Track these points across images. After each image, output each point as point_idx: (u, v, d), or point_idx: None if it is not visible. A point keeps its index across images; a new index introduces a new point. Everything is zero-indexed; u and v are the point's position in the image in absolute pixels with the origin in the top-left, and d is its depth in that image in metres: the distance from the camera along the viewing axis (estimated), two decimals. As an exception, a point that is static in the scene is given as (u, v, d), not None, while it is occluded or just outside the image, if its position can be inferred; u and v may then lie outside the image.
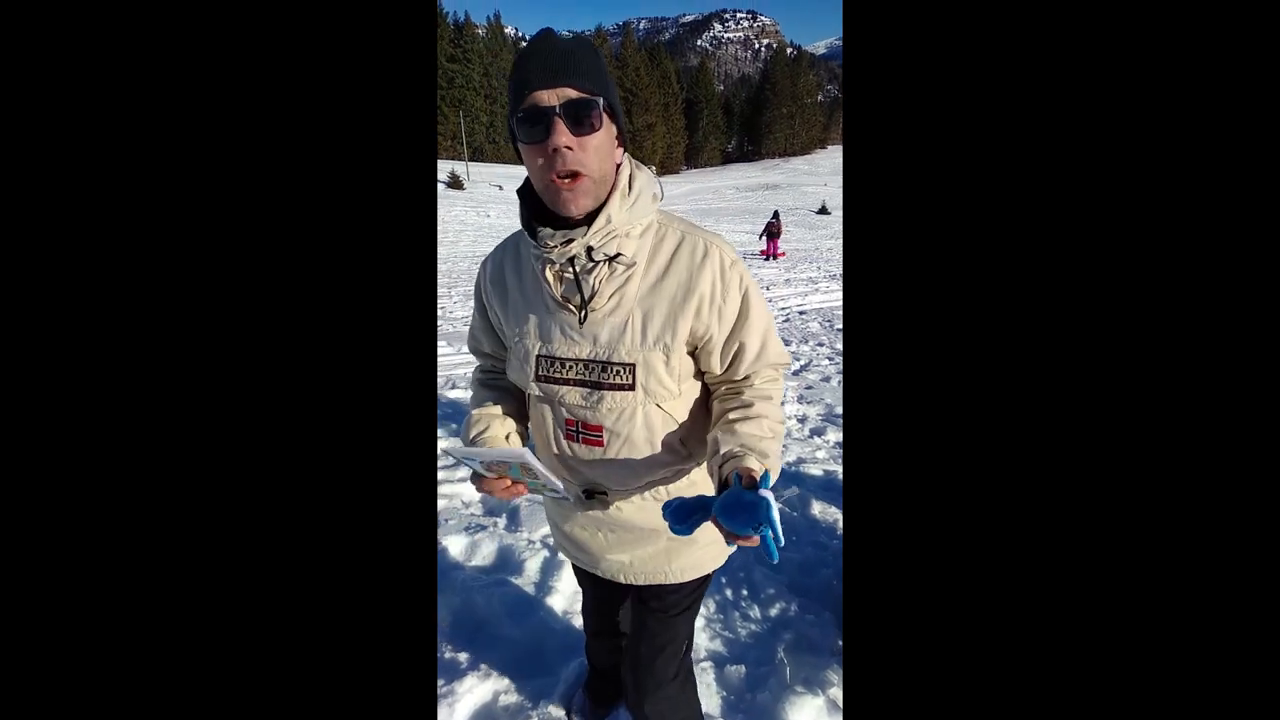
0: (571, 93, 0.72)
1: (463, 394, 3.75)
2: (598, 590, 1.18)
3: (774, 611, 1.81)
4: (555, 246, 0.79)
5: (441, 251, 14.18)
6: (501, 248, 0.95)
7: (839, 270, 10.50)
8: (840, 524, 2.25)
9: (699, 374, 0.91)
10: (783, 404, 0.87)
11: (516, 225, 0.89)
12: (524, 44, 0.79)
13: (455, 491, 2.49)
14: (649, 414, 0.86)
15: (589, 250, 0.79)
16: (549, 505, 1.09)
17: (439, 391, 3.77)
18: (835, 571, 1.97)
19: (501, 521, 2.29)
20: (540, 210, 0.81)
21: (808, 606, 1.83)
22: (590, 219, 0.78)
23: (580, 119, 0.72)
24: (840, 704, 1.43)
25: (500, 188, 38.10)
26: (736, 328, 0.85)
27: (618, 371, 0.83)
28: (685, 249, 0.83)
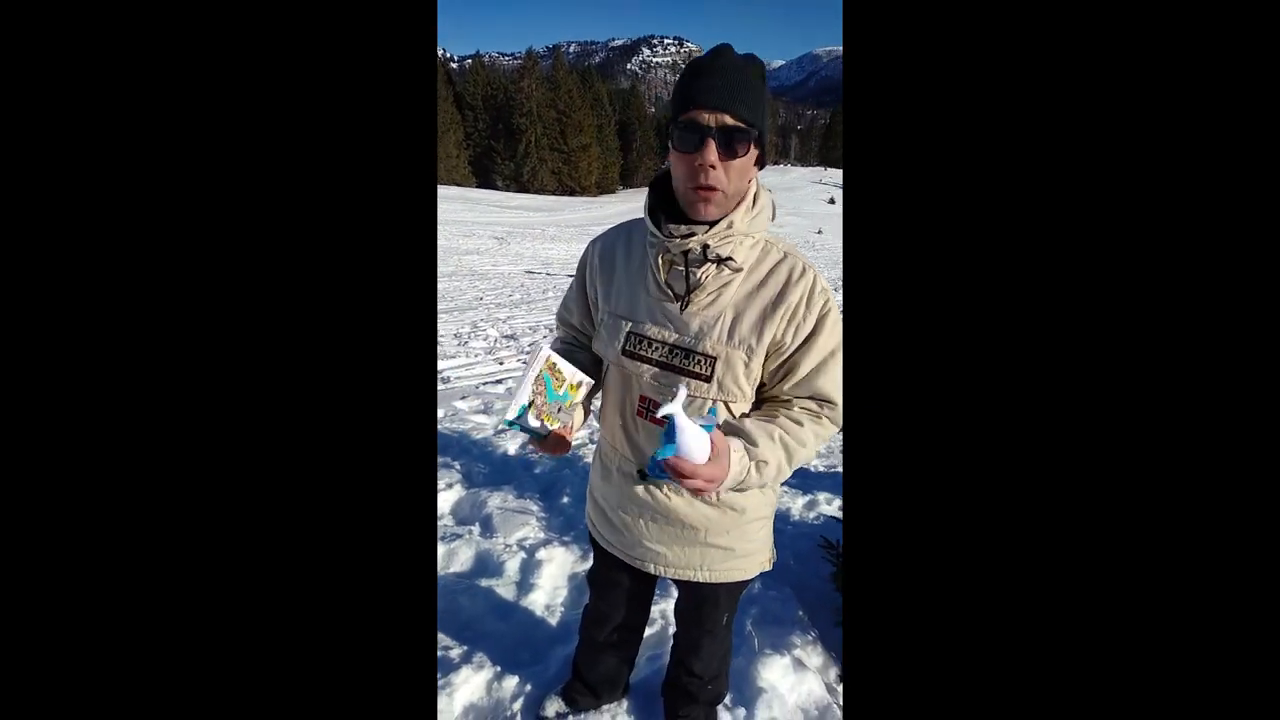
0: (729, 120, 0.78)
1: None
2: (619, 578, 1.20)
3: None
4: (676, 238, 0.86)
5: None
6: (615, 230, 1.03)
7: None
8: (792, 515, 2.46)
9: None
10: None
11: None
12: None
13: (426, 505, 2.54)
14: (716, 411, 0.90)
15: (704, 247, 0.86)
16: (600, 488, 1.13)
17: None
18: (792, 553, 2.17)
19: (476, 529, 2.37)
20: (666, 202, 0.89)
21: (768, 584, 2.01)
22: (714, 221, 0.85)
23: (731, 145, 0.79)
24: (805, 662, 1.61)
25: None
26: (802, 346, 0.89)
27: (699, 361, 0.89)
28: (786, 264, 0.90)
